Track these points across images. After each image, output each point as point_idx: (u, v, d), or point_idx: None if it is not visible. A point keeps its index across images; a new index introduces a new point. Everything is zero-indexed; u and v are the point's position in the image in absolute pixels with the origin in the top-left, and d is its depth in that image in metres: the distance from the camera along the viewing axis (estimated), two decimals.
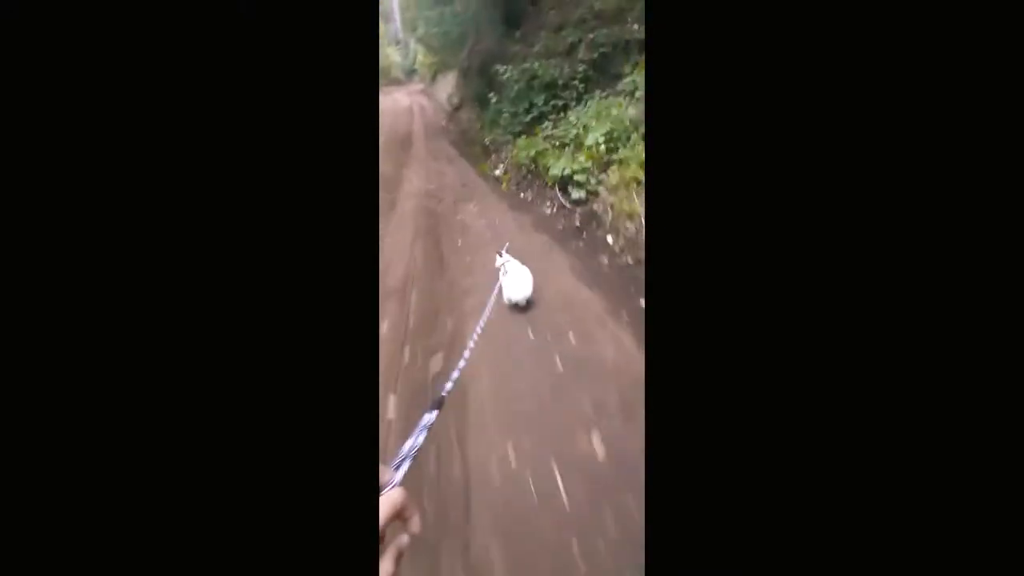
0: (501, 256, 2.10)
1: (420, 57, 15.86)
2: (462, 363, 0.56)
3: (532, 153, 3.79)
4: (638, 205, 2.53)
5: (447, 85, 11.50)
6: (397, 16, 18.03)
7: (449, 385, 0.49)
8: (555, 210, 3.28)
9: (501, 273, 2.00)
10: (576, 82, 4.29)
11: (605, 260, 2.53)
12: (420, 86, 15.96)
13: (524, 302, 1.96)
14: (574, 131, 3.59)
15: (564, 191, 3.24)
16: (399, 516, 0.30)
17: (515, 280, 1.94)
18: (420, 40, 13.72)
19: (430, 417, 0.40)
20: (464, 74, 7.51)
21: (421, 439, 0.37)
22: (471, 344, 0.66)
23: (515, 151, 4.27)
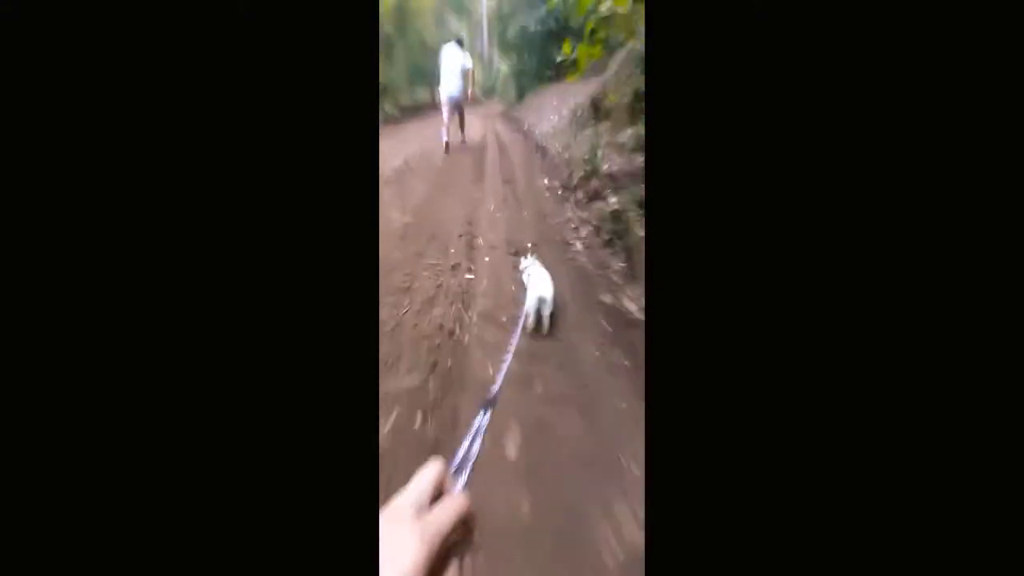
0: (526, 259, 1.98)
1: (504, 67, 11.62)
2: (505, 364, 0.58)
3: None
4: None
5: (542, 107, 6.74)
6: (484, 28, 14.43)
7: (498, 384, 0.49)
8: None
9: (525, 276, 1.89)
10: None
11: None
12: (499, 107, 11.63)
13: (549, 302, 1.72)
14: None
15: None
16: (464, 522, 0.26)
17: (539, 282, 1.76)
18: (512, 35, 9.91)
19: (484, 419, 0.37)
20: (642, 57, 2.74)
21: (478, 445, 0.33)
22: (511, 347, 0.67)
23: None
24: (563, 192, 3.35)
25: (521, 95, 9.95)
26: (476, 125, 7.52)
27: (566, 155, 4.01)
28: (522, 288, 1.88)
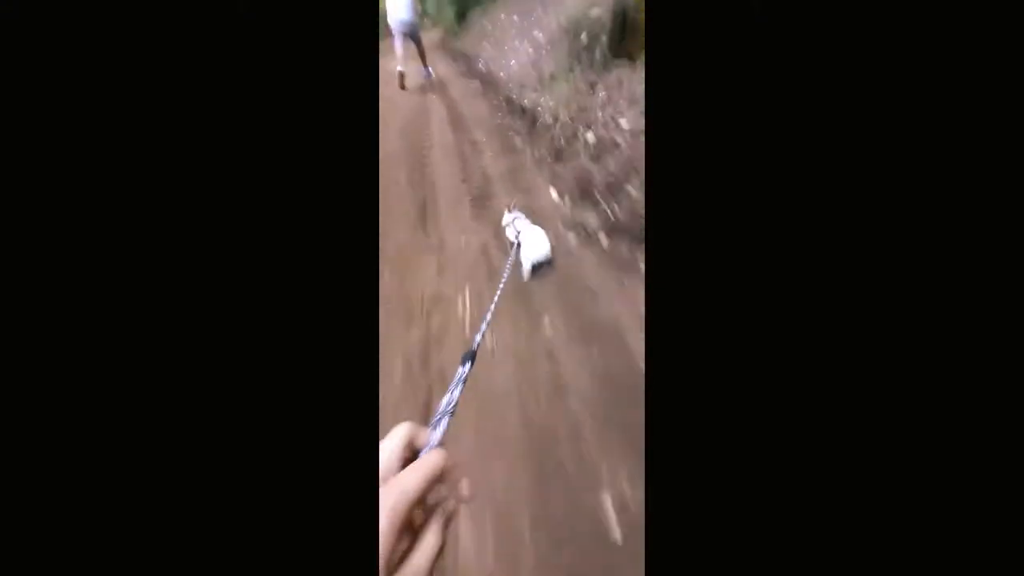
0: (509, 212, 1.71)
1: None
2: (486, 321, 0.57)
3: None
4: None
5: (498, 32, 4.44)
6: None
7: (479, 338, 0.49)
8: None
9: (511, 233, 1.64)
10: None
11: None
12: (435, 35, 8.78)
13: (545, 261, 1.58)
14: None
15: None
16: (441, 480, 0.26)
17: (530, 241, 1.56)
18: None
19: (464, 370, 0.38)
20: None
21: (458, 393, 0.34)
22: (493, 305, 0.66)
23: None
24: (619, 244, 1.53)
25: (462, 15, 7.30)
26: (410, 72, 5.15)
27: (587, 133, 2.06)
28: (510, 244, 1.60)
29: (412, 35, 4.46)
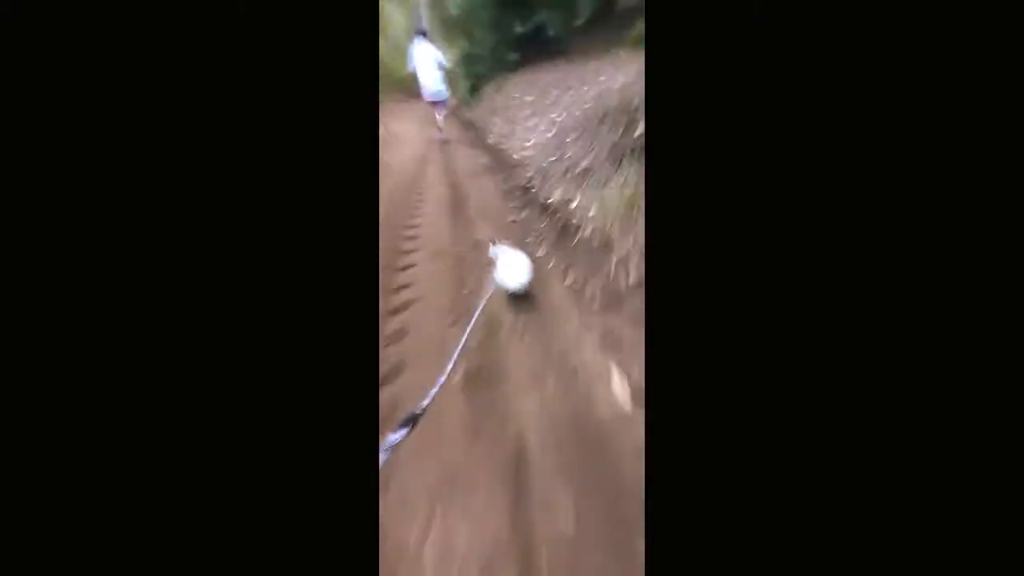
0: (494, 246, 1.73)
1: (451, 53, 8.60)
2: (445, 376, 0.50)
3: None
4: None
5: (512, 108, 3.73)
6: (421, 6, 11.44)
7: (427, 401, 0.41)
8: None
9: (493, 265, 1.63)
10: None
11: None
12: (451, 99, 8.62)
13: (521, 289, 1.56)
14: None
15: None
16: None
17: (511, 267, 1.55)
18: (455, 10, 6.69)
19: (394, 437, 0.33)
20: None
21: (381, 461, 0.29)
22: (454, 357, 0.60)
23: None
24: None
25: (476, 89, 7.11)
26: (412, 136, 4.65)
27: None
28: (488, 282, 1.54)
29: (443, 104, 4.93)
